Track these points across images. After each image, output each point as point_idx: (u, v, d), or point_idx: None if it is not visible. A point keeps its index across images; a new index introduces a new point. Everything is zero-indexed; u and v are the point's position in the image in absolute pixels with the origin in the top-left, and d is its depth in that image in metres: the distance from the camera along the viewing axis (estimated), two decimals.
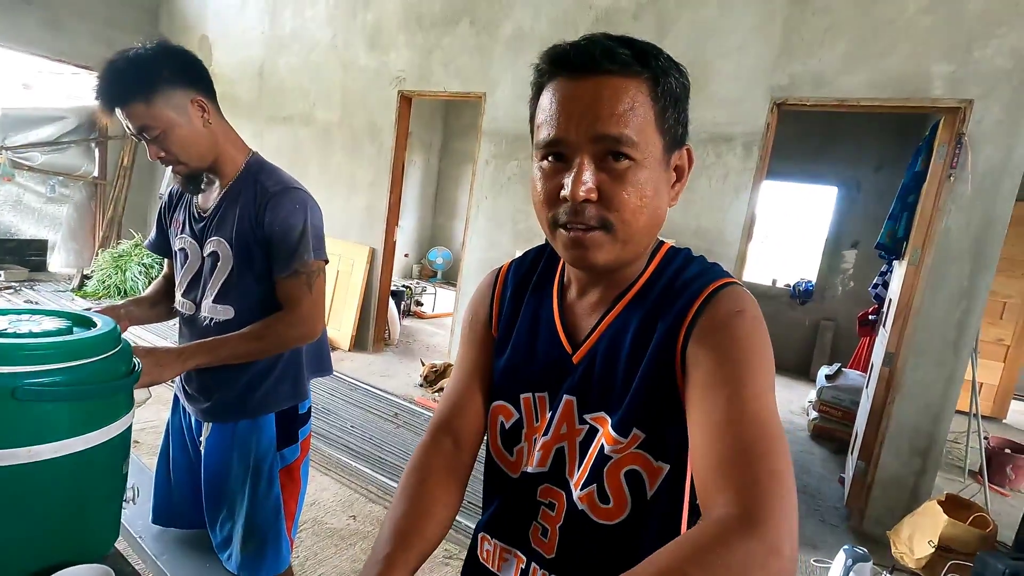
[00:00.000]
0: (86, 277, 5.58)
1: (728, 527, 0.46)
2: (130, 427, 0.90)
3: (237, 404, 1.29)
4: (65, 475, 0.79)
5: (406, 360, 4.92)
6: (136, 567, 0.99)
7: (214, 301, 1.25)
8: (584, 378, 0.69)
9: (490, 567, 0.76)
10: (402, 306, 5.82)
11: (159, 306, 1.41)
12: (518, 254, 0.82)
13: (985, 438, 3.44)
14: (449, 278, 7.56)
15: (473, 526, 0.88)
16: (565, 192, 0.60)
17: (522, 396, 0.74)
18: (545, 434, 0.71)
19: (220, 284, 1.24)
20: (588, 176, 0.59)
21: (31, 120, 5.80)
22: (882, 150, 5.65)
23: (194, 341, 1.21)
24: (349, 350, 4.88)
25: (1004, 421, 5.33)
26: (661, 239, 0.72)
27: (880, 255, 3.34)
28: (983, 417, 3.46)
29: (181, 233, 1.29)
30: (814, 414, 4.42)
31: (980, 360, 3.09)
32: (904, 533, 2.70)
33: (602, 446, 0.66)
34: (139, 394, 1.07)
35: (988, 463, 3.24)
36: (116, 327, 0.87)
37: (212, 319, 1.26)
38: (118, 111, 1.09)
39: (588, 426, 0.68)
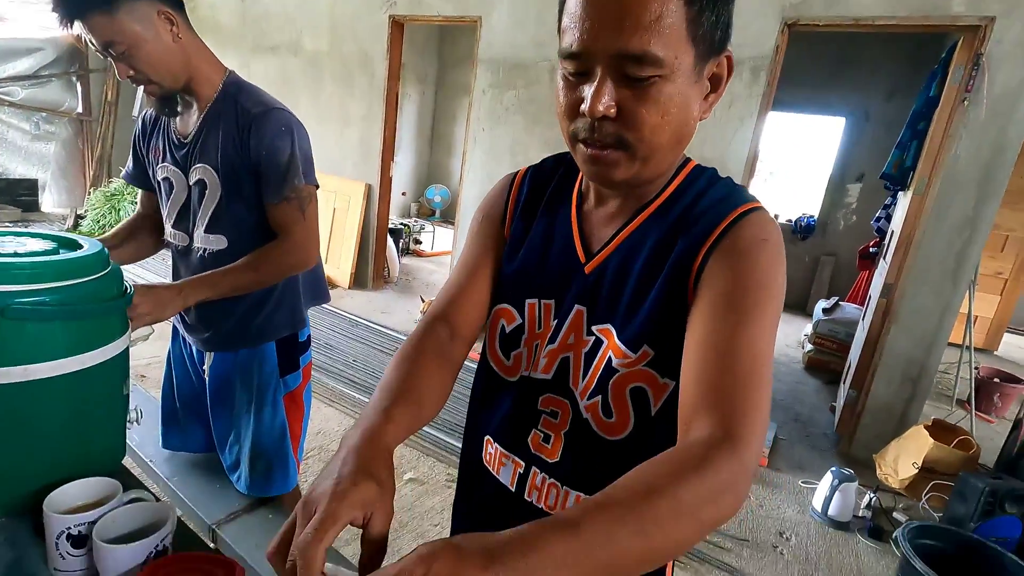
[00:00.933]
0: (80, 217, 5.52)
1: (714, 449, 0.49)
2: (127, 349, 0.90)
3: (237, 333, 1.30)
4: (64, 394, 0.80)
5: (406, 297, 4.95)
6: (149, 488, 1.02)
7: (206, 231, 1.23)
8: (595, 289, 0.68)
9: (491, 469, 0.78)
10: (400, 244, 5.79)
11: (139, 243, 1.36)
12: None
13: (976, 368, 3.51)
14: (447, 216, 7.48)
15: (459, 446, 0.88)
16: (584, 107, 0.57)
17: (527, 301, 0.73)
18: (551, 342, 0.70)
19: (210, 213, 1.21)
20: (607, 92, 0.55)
21: (5, 52, 5.55)
22: (895, 76, 5.44)
23: (192, 276, 1.19)
24: (349, 288, 4.90)
25: (995, 353, 5.42)
26: (688, 156, 0.70)
27: (886, 186, 3.28)
28: (975, 349, 3.51)
29: (163, 161, 1.25)
30: (809, 346, 4.49)
31: (977, 293, 3.10)
32: (890, 456, 2.80)
33: (609, 358, 0.66)
34: (142, 330, 1.07)
35: (976, 392, 3.32)
36: (103, 249, 0.85)
37: (206, 249, 1.24)
38: (79, 24, 1.03)
39: (595, 338, 0.68)
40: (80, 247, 0.84)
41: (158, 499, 0.82)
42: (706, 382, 0.54)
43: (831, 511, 2.47)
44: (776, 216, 6.35)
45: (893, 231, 3.19)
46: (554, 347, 0.70)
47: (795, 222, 6.21)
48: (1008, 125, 2.52)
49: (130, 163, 1.34)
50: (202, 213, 1.21)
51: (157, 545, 0.71)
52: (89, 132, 6.12)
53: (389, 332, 4.00)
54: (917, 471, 2.63)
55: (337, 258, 4.96)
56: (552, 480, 0.72)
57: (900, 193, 3.31)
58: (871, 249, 4.01)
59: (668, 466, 0.47)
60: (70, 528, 0.71)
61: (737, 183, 0.69)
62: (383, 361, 3.51)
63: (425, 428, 2.77)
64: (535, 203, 0.76)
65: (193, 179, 1.20)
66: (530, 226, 0.75)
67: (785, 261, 0.62)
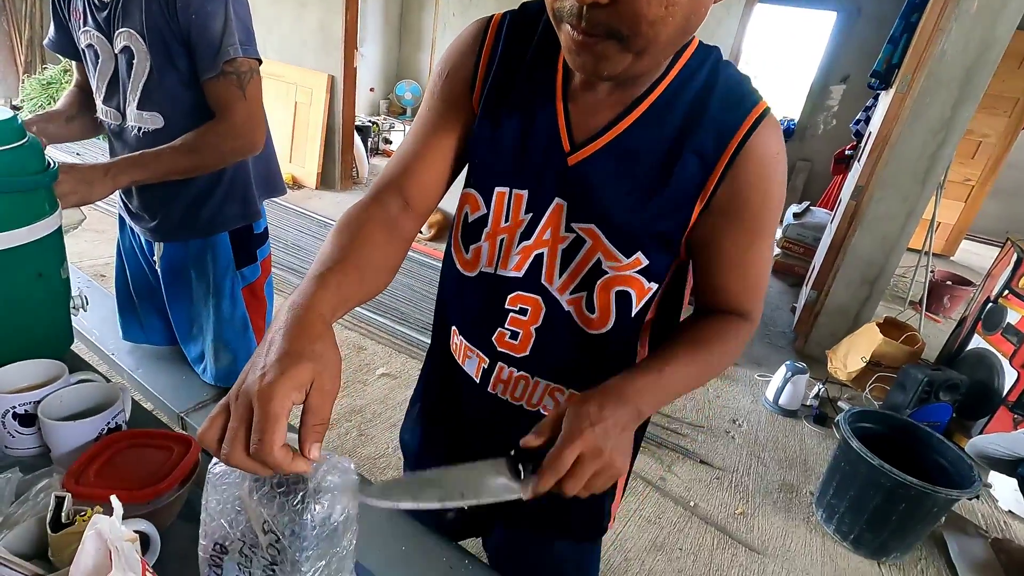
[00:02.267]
0: (16, 108, 5.08)
1: (740, 324, 0.68)
2: (59, 230, 0.84)
3: (184, 223, 1.23)
4: None
5: None
6: (106, 376, 1.01)
7: (138, 107, 1.12)
8: (581, 184, 0.62)
9: (457, 359, 0.77)
10: (369, 143, 5.53)
11: (78, 121, 1.25)
12: None
13: (931, 272, 3.64)
14: None
15: (428, 342, 0.86)
16: None
17: (496, 189, 0.65)
18: (526, 238, 0.65)
19: (141, 87, 1.10)
20: None
21: None
22: None
23: (122, 156, 1.10)
24: (316, 188, 4.72)
25: (952, 258, 5.64)
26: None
27: (870, 85, 3.19)
28: (933, 255, 3.63)
29: (84, 26, 1.11)
30: (777, 250, 4.58)
31: (942, 198, 3.14)
32: (841, 351, 2.96)
33: (599, 260, 0.63)
34: (72, 215, 1.00)
35: (928, 294, 3.47)
36: (15, 117, 0.77)
37: (141, 128, 1.14)
38: None
39: (575, 235, 0.63)
40: None
41: (108, 380, 0.80)
42: (729, 290, 0.67)
43: (782, 400, 2.64)
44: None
45: (871, 132, 3.15)
46: (529, 243, 0.65)
47: None
48: (998, 20, 2.42)
49: (52, 28, 1.19)
50: (132, 86, 1.09)
51: (109, 422, 0.70)
52: (13, 10, 5.47)
53: None
54: (864, 364, 2.80)
55: (302, 156, 4.73)
56: (521, 372, 0.71)
57: (882, 94, 3.23)
58: (847, 152, 3.99)
59: (716, 332, 0.66)
60: (15, 407, 0.70)
61: (739, 71, 0.62)
62: None
63: (397, 326, 2.80)
64: (514, 64, 0.64)
65: (118, 46, 1.07)
66: (506, 97, 0.64)
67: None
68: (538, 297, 0.67)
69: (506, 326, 0.69)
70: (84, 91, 1.25)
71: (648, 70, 0.56)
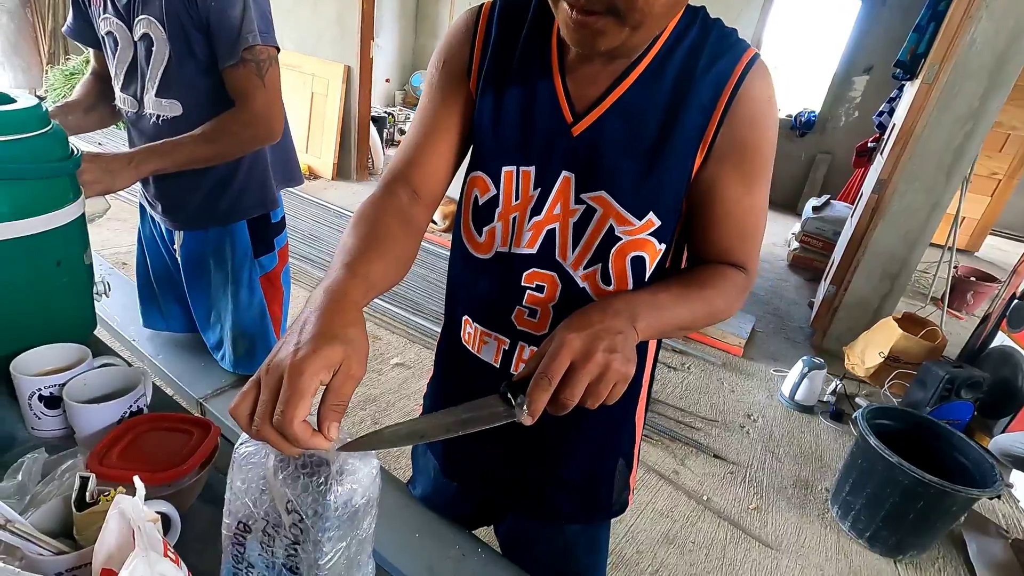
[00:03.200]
0: (40, 98, 5.16)
1: (738, 273, 0.68)
2: (83, 216, 0.85)
3: (203, 211, 1.25)
4: (18, 260, 0.77)
5: None
6: (126, 359, 1.03)
7: (157, 95, 1.13)
8: (585, 154, 0.63)
9: (471, 348, 0.76)
10: (385, 134, 5.54)
11: (96, 110, 1.26)
12: None
13: (955, 268, 3.57)
14: None
15: (438, 330, 0.86)
16: None
17: (504, 169, 0.66)
18: (536, 214, 0.65)
19: (160, 74, 1.11)
20: None
21: None
22: None
23: (144, 145, 1.11)
24: (332, 179, 4.75)
25: (976, 254, 5.51)
26: None
27: (894, 75, 3.12)
28: (957, 250, 3.55)
29: (104, 13, 1.12)
30: (795, 244, 4.52)
31: (968, 192, 3.07)
32: (859, 347, 2.92)
33: (611, 227, 0.63)
34: (97, 204, 1.01)
35: (951, 290, 3.40)
36: (40, 104, 0.78)
37: (159, 116, 1.15)
38: None
39: (585, 206, 0.64)
40: (13, 101, 0.77)
41: (131, 365, 0.82)
42: (726, 241, 0.67)
43: (798, 396, 2.61)
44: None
45: (895, 124, 3.08)
46: (540, 219, 0.66)
47: (795, 118, 5.99)
48: None
49: (71, 15, 1.20)
50: (151, 73, 1.10)
51: (131, 406, 0.72)
52: (37, 2, 5.55)
53: None
54: (883, 360, 2.75)
55: (318, 147, 4.75)
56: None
57: (907, 85, 3.16)
58: (869, 144, 3.90)
59: (714, 276, 0.66)
60: (40, 389, 0.71)
61: (727, 26, 0.64)
62: None
63: (412, 317, 2.81)
64: (508, 46, 0.66)
65: (138, 34, 1.08)
66: (504, 78, 0.65)
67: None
68: (553, 274, 0.67)
69: (524, 304, 0.69)
70: (101, 80, 1.26)
71: (643, 43, 0.59)
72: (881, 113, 3.77)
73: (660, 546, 1.81)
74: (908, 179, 2.73)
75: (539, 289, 0.68)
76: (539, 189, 0.65)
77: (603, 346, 0.50)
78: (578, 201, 0.64)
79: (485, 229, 0.69)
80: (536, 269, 0.68)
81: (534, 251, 0.67)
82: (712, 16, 0.64)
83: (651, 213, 0.63)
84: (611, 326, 0.52)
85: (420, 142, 0.69)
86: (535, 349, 0.68)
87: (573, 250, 0.66)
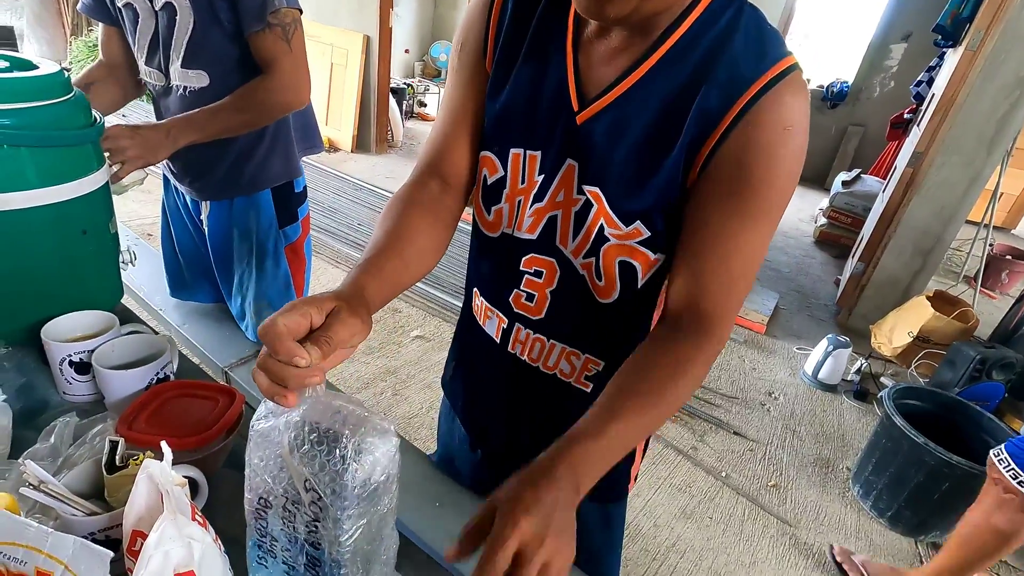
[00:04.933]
0: (65, 71, 5.21)
1: (697, 347, 0.58)
2: (107, 185, 0.86)
3: (229, 180, 1.25)
4: (46, 228, 0.77)
5: (410, 162, 4.79)
6: (153, 328, 1.04)
7: (183, 66, 1.12)
8: (587, 143, 0.59)
9: (478, 320, 0.77)
10: (403, 106, 5.49)
11: (108, 92, 1.22)
12: None
13: (990, 245, 3.45)
14: None
15: (457, 304, 0.86)
16: None
17: (512, 151, 0.64)
18: (539, 200, 0.64)
19: (185, 45, 1.09)
20: None
21: None
22: None
23: (177, 116, 1.11)
24: (352, 151, 4.74)
25: (1013, 231, 5.32)
26: None
27: (936, 42, 2.97)
28: (993, 227, 3.41)
29: None
30: (823, 220, 4.40)
31: (1008, 168, 2.93)
32: (887, 325, 2.85)
33: (602, 225, 0.60)
34: (135, 175, 1.02)
35: (985, 268, 3.29)
36: (61, 71, 0.78)
37: (186, 88, 1.14)
38: None
39: (585, 198, 0.61)
40: (35, 68, 0.76)
41: (157, 333, 0.83)
42: (704, 279, 0.58)
43: (821, 374, 2.57)
44: (807, 81, 5.88)
45: (934, 94, 2.95)
46: (542, 205, 0.64)
47: (827, 88, 5.78)
48: None
49: None
50: (175, 45, 1.09)
51: (158, 372, 0.73)
52: None
53: None
54: (912, 340, 2.69)
55: (338, 119, 4.73)
56: (537, 335, 0.71)
57: (949, 51, 3.01)
58: (905, 116, 3.75)
59: (667, 370, 0.56)
60: (71, 355, 0.73)
61: (770, 24, 0.56)
62: None
63: (431, 290, 2.82)
64: (523, 24, 0.62)
65: (159, 3, 1.07)
66: (517, 56, 0.62)
67: (806, 142, 0.54)
68: (552, 260, 0.66)
69: (522, 288, 0.69)
70: (108, 67, 1.23)
71: (656, 11, 0.52)
72: (919, 83, 3.61)
73: (677, 520, 1.81)
74: (946, 151, 2.62)
75: (537, 275, 0.67)
76: (543, 175, 0.63)
77: (553, 529, 0.45)
78: (580, 191, 0.61)
79: (493, 209, 0.69)
80: (535, 255, 0.66)
81: (534, 237, 0.66)
82: None
83: (638, 222, 0.58)
84: (558, 501, 0.46)
85: (446, 130, 0.69)
86: (530, 332, 0.70)
87: (574, 239, 0.63)
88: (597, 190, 0.59)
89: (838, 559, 1.73)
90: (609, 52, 0.58)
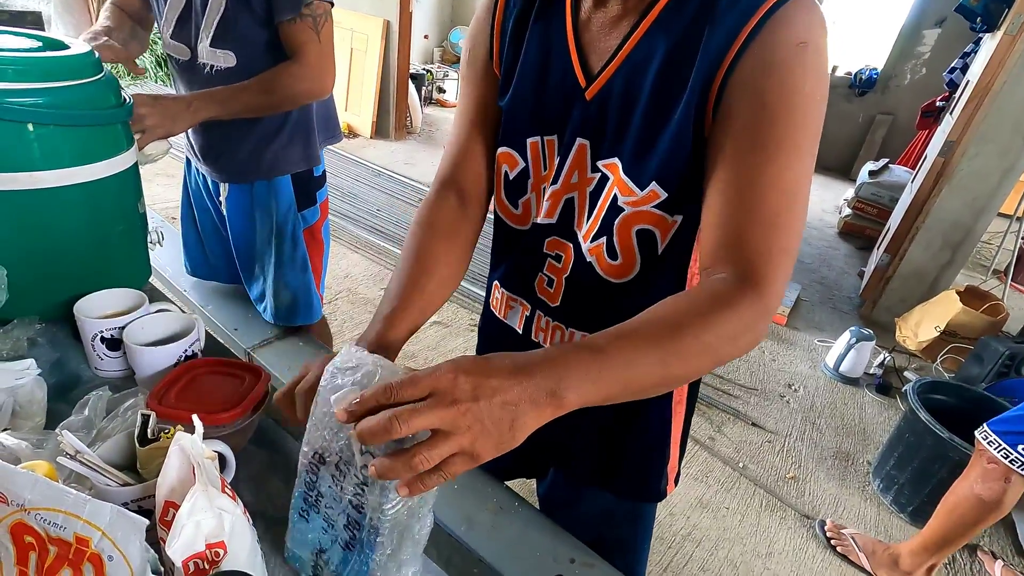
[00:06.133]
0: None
1: (739, 292, 0.48)
2: (136, 166, 0.87)
3: (249, 164, 1.26)
4: (76, 206, 0.79)
5: (430, 148, 4.80)
6: (180, 307, 1.06)
7: (212, 45, 1.13)
8: (598, 118, 0.59)
9: (498, 314, 0.77)
10: (423, 92, 5.47)
11: (132, 40, 1.21)
12: None
13: (1022, 238, 3.34)
14: None
15: (482, 293, 0.86)
16: None
17: (529, 141, 0.64)
18: (554, 183, 0.64)
19: (215, 24, 1.10)
20: None
21: None
22: None
23: (200, 91, 1.12)
24: (371, 137, 4.75)
25: None
26: None
27: (972, 27, 2.87)
28: None
29: None
30: (847, 211, 4.31)
31: None
32: (913, 319, 2.79)
33: (615, 196, 0.59)
34: (160, 145, 1.02)
35: (1016, 261, 3.20)
36: (91, 51, 0.79)
37: (213, 67, 1.15)
38: None
39: (600, 174, 0.60)
40: (67, 48, 0.77)
41: (184, 312, 0.84)
42: (729, 229, 0.51)
43: (843, 367, 2.53)
44: (834, 68, 5.74)
45: (968, 81, 2.85)
46: (557, 188, 0.63)
47: (855, 75, 5.63)
48: None
49: None
50: (206, 23, 1.10)
51: (187, 349, 0.74)
52: None
53: (414, 183, 3.94)
54: (938, 334, 2.63)
55: (357, 105, 4.74)
56: (556, 323, 0.70)
57: (986, 36, 2.90)
58: (938, 104, 3.64)
59: (694, 305, 0.47)
60: (102, 332, 0.74)
61: None
62: (407, 211, 3.50)
63: None
64: (524, 18, 0.63)
65: None
66: (520, 48, 0.63)
67: (826, 61, 0.50)
68: (569, 244, 0.66)
69: (544, 271, 0.69)
70: (124, 11, 1.23)
71: None
72: (953, 70, 3.50)
73: (694, 510, 1.81)
74: (980, 141, 2.54)
75: (557, 259, 0.67)
76: (559, 157, 0.63)
77: (483, 426, 0.38)
78: (594, 169, 0.61)
79: (520, 201, 0.69)
80: (556, 237, 0.67)
81: (553, 221, 0.66)
82: None
83: (654, 183, 0.56)
84: (510, 397, 0.39)
85: (461, 143, 0.70)
86: (549, 320, 0.70)
87: (587, 221, 0.63)
88: (615, 161, 0.59)
89: (828, 534, 1.75)
90: (608, 22, 0.58)
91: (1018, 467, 1.39)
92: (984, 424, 1.49)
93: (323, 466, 0.49)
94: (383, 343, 0.58)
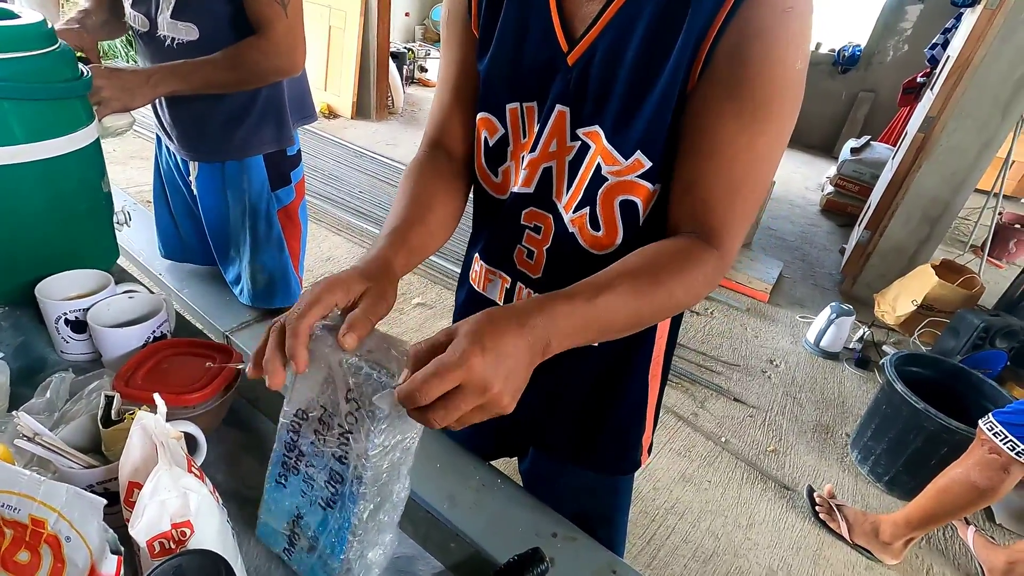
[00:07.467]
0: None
1: (705, 251, 0.54)
2: (98, 142, 0.84)
3: (218, 143, 1.22)
4: (34, 184, 0.76)
5: (412, 129, 4.72)
6: (149, 287, 1.03)
7: (172, 16, 1.08)
8: (579, 84, 0.57)
9: (477, 288, 0.76)
10: (404, 71, 5.37)
11: (107, 24, 1.20)
12: None
13: (999, 214, 3.39)
14: None
15: (459, 271, 0.85)
16: None
17: (508, 107, 0.62)
18: (532, 151, 0.62)
19: None
20: None
21: None
22: None
23: (162, 64, 1.08)
24: (352, 118, 4.66)
25: (1022, 200, 5.24)
26: None
27: (953, 2, 2.87)
28: (1003, 196, 3.35)
29: None
30: (830, 188, 4.34)
31: (1022, 134, 2.86)
32: (891, 294, 2.83)
33: (598, 165, 0.58)
34: (123, 118, 0.99)
35: (993, 237, 3.25)
36: (44, 21, 0.75)
37: (174, 39, 1.10)
38: None
39: (580, 143, 0.59)
40: (16, 16, 0.74)
41: (152, 292, 0.82)
42: (698, 193, 0.55)
43: (823, 343, 2.57)
44: (818, 45, 5.73)
45: (949, 56, 2.86)
46: (535, 156, 0.62)
47: (838, 52, 5.62)
48: None
49: None
50: None
51: (155, 330, 0.72)
52: None
53: (395, 164, 3.88)
54: (915, 308, 2.68)
55: (337, 84, 4.64)
56: (537, 295, 0.70)
57: (967, 11, 2.91)
58: (919, 80, 3.66)
59: (670, 261, 0.53)
60: (66, 313, 0.72)
61: None
62: (389, 192, 3.45)
63: (433, 258, 2.81)
64: None
65: None
66: (499, 11, 0.61)
67: (811, 26, 0.50)
68: (549, 215, 0.64)
69: (523, 243, 0.68)
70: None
71: None
72: (934, 46, 3.51)
73: (676, 484, 1.84)
74: (959, 116, 2.56)
75: (536, 230, 0.66)
76: (539, 125, 0.61)
77: (502, 378, 0.41)
78: (573, 137, 0.59)
79: (501, 169, 0.67)
80: (534, 208, 0.65)
81: (531, 190, 0.64)
82: None
83: (639, 152, 0.55)
84: (520, 351, 0.43)
85: (444, 104, 0.69)
86: (530, 292, 0.69)
87: (568, 191, 0.61)
88: (596, 129, 0.57)
89: (817, 501, 1.79)
90: None
91: None
92: (989, 415, 1.49)
93: (305, 423, 0.49)
94: (383, 264, 0.54)
